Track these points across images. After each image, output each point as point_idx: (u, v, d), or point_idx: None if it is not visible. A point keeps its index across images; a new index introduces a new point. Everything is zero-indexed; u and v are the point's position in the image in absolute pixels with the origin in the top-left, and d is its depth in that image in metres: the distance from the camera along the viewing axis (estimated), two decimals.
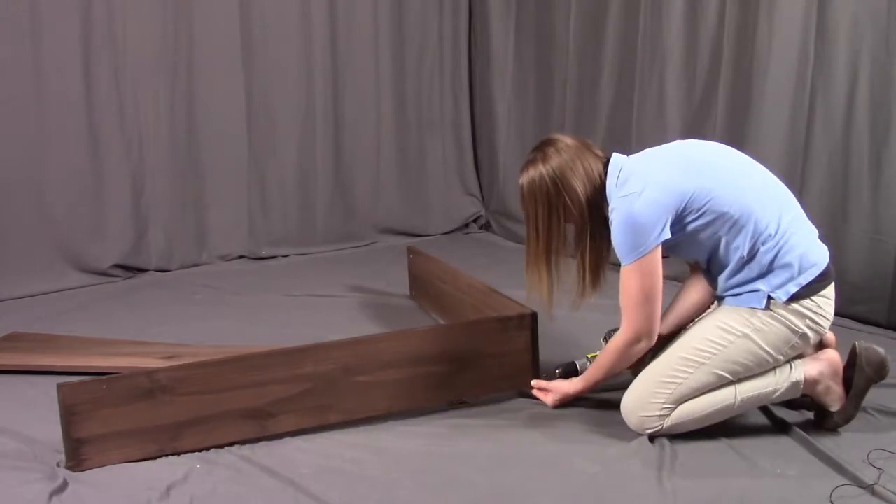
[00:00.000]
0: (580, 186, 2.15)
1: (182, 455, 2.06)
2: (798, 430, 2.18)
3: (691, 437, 2.16)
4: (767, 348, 2.09)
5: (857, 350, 2.20)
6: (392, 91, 4.55)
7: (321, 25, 4.24)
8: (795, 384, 2.15)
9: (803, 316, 2.09)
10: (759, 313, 2.10)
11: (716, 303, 2.28)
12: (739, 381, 2.13)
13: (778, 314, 2.09)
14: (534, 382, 2.37)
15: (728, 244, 2.10)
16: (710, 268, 2.21)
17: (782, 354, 2.12)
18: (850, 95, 3.03)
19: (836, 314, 3.06)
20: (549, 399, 2.33)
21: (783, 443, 2.14)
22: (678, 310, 2.33)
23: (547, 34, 4.29)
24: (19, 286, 3.46)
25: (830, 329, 2.21)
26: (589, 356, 2.45)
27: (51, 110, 3.56)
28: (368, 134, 4.50)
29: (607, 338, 2.38)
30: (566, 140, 2.21)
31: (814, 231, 2.18)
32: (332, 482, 1.95)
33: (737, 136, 3.34)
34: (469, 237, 4.70)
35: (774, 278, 2.09)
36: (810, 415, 2.27)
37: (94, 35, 3.62)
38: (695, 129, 3.48)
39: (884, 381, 2.48)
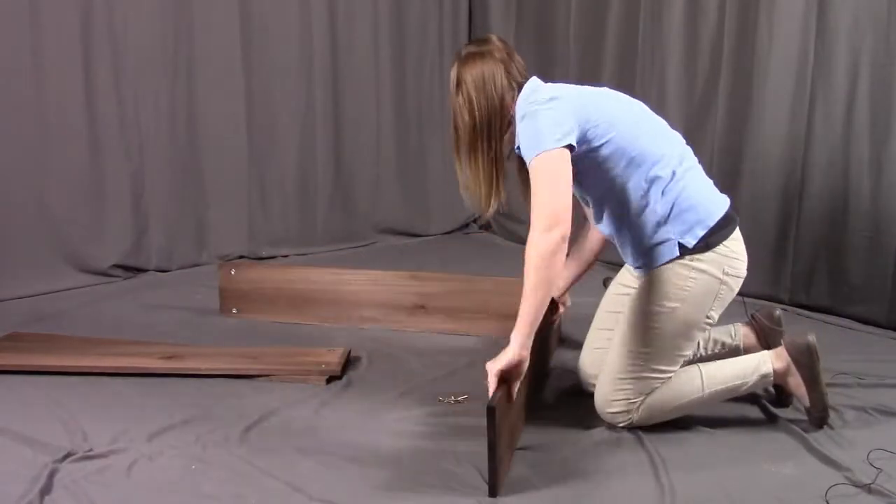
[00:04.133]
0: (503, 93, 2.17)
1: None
2: (795, 427, 2.19)
3: (688, 436, 2.17)
4: (698, 311, 2.13)
5: (788, 346, 2.23)
6: (392, 91, 4.55)
7: (321, 25, 4.24)
8: (764, 376, 2.21)
9: (719, 263, 2.13)
10: (677, 279, 2.12)
11: (637, 280, 2.30)
12: (705, 367, 2.19)
13: (694, 268, 2.12)
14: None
15: (624, 183, 2.12)
16: (615, 229, 2.24)
17: (714, 310, 2.16)
18: (850, 95, 3.03)
19: (836, 314, 3.11)
20: (492, 381, 1.92)
21: (780, 440, 2.15)
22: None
23: (547, 33, 4.29)
24: (19, 286, 3.46)
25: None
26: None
27: (51, 110, 3.55)
28: (368, 134, 4.50)
29: (606, 284, 2.38)
30: (498, 44, 2.24)
31: (710, 181, 2.23)
32: (331, 482, 1.95)
33: (737, 136, 3.34)
34: (469, 237, 4.70)
35: (679, 224, 2.13)
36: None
37: (95, 35, 3.62)
38: (695, 128, 3.48)
39: (884, 381, 2.50)
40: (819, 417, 2.20)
